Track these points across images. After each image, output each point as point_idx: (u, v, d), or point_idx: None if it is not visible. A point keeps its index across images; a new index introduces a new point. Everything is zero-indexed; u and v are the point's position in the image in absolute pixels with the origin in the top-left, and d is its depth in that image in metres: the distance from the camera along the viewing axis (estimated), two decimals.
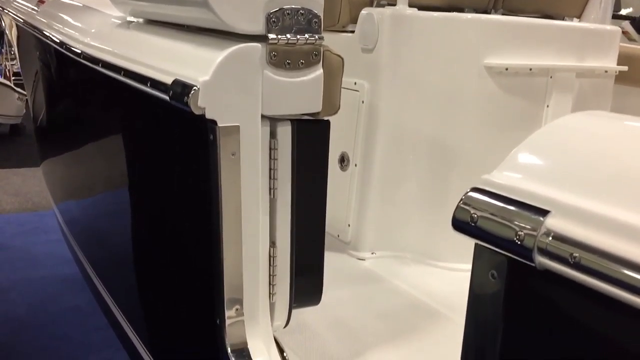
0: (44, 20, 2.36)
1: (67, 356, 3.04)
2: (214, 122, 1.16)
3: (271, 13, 1.18)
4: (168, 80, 1.22)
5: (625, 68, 2.26)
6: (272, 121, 1.24)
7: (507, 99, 2.05)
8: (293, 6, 1.19)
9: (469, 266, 2.20)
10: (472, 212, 0.71)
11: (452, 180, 2.09)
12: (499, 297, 0.68)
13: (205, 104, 1.14)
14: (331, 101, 1.30)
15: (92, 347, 3.11)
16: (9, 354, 3.05)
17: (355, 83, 2.10)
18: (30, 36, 2.76)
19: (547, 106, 2.10)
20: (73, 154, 2.67)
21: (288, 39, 1.19)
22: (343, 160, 2.19)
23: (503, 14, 2.31)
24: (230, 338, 1.21)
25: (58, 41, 2.01)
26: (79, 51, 1.74)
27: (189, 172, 1.37)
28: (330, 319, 1.71)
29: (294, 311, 1.38)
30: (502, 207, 0.68)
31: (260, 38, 1.19)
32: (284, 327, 1.37)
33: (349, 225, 2.17)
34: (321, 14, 1.23)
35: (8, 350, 3.08)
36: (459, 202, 0.73)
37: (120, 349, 2.51)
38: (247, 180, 1.21)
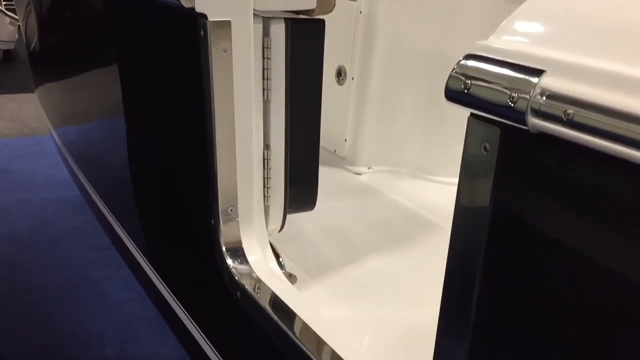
0: None
1: (68, 274, 3.09)
2: (204, 17, 1.12)
3: None
4: None
5: None
6: (265, 19, 1.21)
7: (510, 9, 1.99)
8: None
9: None
10: (465, 79, 0.68)
11: None
12: (490, 170, 0.66)
13: None
14: None
15: (93, 266, 3.16)
16: (10, 272, 3.10)
17: None
18: None
19: None
20: (67, 73, 2.63)
21: None
22: (340, 74, 2.15)
23: None
24: (225, 237, 1.21)
25: None
26: None
27: (180, 72, 1.34)
28: (325, 227, 1.72)
29: (289, 219, 1.38)
30: (496, 71, 0.66)
31: None
32: (279, 231, 1.38)
33: (345, 140, 2.15)
34: None
35: (9, 268, 3.13)
36: (452, 70, 0.71)
37: (121, 266, 2.56)
38: (239, 79, 1.18)
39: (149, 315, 2.60)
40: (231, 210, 1.23)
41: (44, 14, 2.81)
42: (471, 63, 0.68)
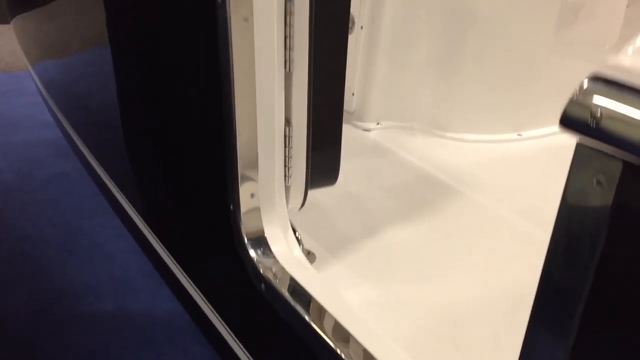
0: None
1: (59, 222, 3.00)
2: None
3: None
4: None
5: None
6: None
7: None
8: None
9: (477, 136, 2.11)
10: (593, 110, 0.55)
11: (467, 45, 1.94)
12: (604, 209, 0.56)
13: None
14: None
15: (84, 213, 3.07)
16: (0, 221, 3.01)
17: None
18: None
19: None
20: (48, 8, 2.42)
21: None
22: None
23: None
24: (246, 226, 1.13)
25: None
26: None
27: (194, 40, 1.21)
28: (339, 194, 1.64)
29: None
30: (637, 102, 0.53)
31: None
32: (299, 209, 1.30)
33: (353, 94, 2.04)
34: None
35: None
36: (573, 95, 0.57)
37: (113, 215, 2.47)
38: (261, 50, 1.06)
39: (145, 267, 2.54)
40: (252, 195, 1.14)
41: None
42: (602, 89, 0.55)
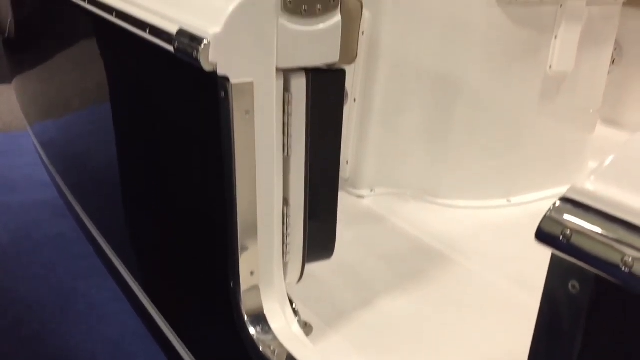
0: None
1: (55, 285, 3.01)
2: (226, 79, 1.06)
3: None
4: (171, 28, 1.11)
5: None
6: (286, 73, 1.15)
7: (514, 29, 1.95)
8: None
9: (468, 202, 2.17)
10: (564, 226, 0.63)
11: (455, 114, 2.03)
12: (579, 313, 0.62)
13: (216, 59, 1.04)
14: (348, 50, 1.20)
15: (80, 274, 3.08)
16: None
17: None
18: None
19: (555, 37, 2.01)
20: (48, 69, 2.48)
21: None
22: None
23: None
24: (246, 303, 1.17)
25: None
26: None
27: (197, 128, 1.27)
28: (334, 263, 1.67)
29: None
30: (605, 227, 0.61)
31: None
32: (297, 282, 1.34)
33: (347, 162, 2.11)
34: None
35: None
36: (547, 212, 0.65)
37: (109, 276, 2.48)
38: (261, 138, 1.13)
39: (141, 331, 2.54)
40: (252, 273, 1.18)
41: (25, 9, 2.62)
42: (571, 210, 0.62)
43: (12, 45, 3.13)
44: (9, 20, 2.96)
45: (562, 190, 2.29)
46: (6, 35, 3.17)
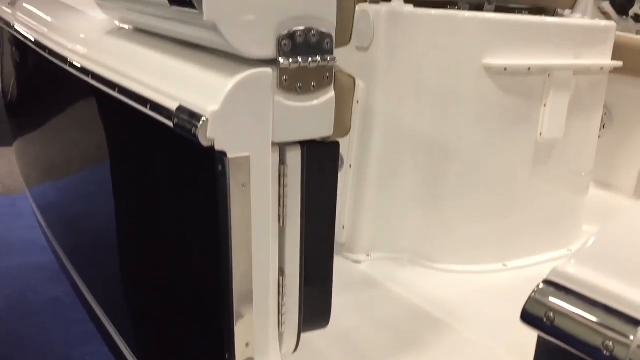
0: (23, 17, 2.23)
1: (49, 350, 2.97)
2: (223, 153, 1.10)
3: (283, 35, 1.10)
4: (171, 105, 1.15)
5: (620, 64, 2.24)
6: (282, 146, 1.18)
7: (504, 98, 2.02)
8: (305, 27, 1.12)
9: (464, 267, 2.18)
10: (547, 309, 0.65)
11: (450, 179, 2.06)
12: None
13: (214, 135, 1.07)
14: (342, 123, 1.25)
15: (74, 341, 3.04)
16: None
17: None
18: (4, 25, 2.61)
19: (545, 105, 2.07)
20: (48, 133, 2.52)
21: (300, 62, 1.12)
22: None
23: (497, 7, 2.26)
24: None
25: (41, 45, 1.89)
26: (66, 57, 1.63)
27: (191, 199, 1.30)
28: (330, 330, 1.67)
29: None
30: (586, 311, 0.63)
31: (271, 61, 1.12)
32: (293, 352, 1.34)
33: (343, 227, 2.13)
34: (333, 34, 1.16)
35: None
36: (532, 293, 0.68)
37: (103, 344, 2.45)
38: (257, 210, 1.16)
39: None
40: (247, 344, 1.18)
41: (21, 61, 2.68)
42: (554, 293, 0.65)
43: (14, 108, 3.20)
44: (11, 83, 3.03)
45: (558, 254, 2.30)
46: (8, 97, 3.25)
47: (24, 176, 3.56)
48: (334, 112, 1.20)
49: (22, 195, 4.24)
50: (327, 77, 1.17)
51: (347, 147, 2.08)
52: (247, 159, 1.11)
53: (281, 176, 1.19)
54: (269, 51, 1.11)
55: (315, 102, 1.17)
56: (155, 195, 1.49)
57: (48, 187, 2.85)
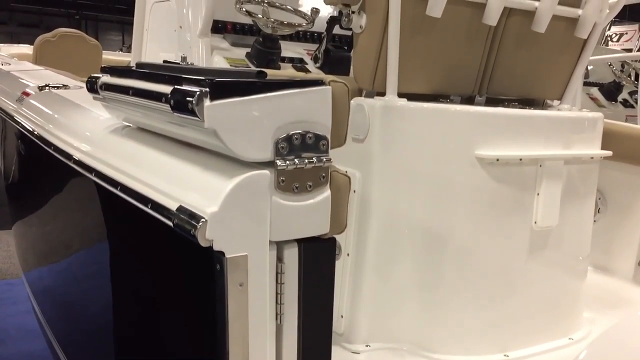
0: (30, 114, 2.31)
1: None
2: (221, 253, 1.12)
3: (280, 139, 1.15)
4: (171, 205, 1.18)
5: (609, 153, 2.30)
6: (279, 245, 1.21)
7: (497, 187, 2.06)
8: (301, 131, 1.17)
9: (464, 358, 2.14)
10: None
11: (446, 267, 2.07)
12: None
13: (213, 236, 1.10)
14: (338, 220, 1.27)
15: None
16: None
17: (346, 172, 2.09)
18: (9, 120, 2.69)
19: (538, 194, 2.11)
20: (47, 218, 2.54)
21: (296, 164, 1.17)
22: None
23: (487, 98, 2.34)
24: None
25: (46, 141, 1.96)
26: (71, 154, 1.68)
27: (191, 291, 1.31)
28: None
29: None
30: None
31: (268, 163, 1.16)
32: None
33: (342, 317, 2.11)
34: (329, 135, 1.21)
35: None
36: None
37: None
38: (254, 309, 1.16)
39: None
40: None
41: (25, 152, 2.73)
42: None
43: (14, 192, 3.24)
44: (12, 169, 3.08)
45: (560, 343, 2.26)
46: (9, 181, 3.29)
47: (21, 260, 3.55)
48: (329, 210, 1.23)
49: (19, 280, 4.21)
50: (323, 177, 1.21)
51: (345, 236, 2.10)
52: (245, 258, 1.13)
53: (278, 274, 1.21)
54: (267, 154, 1.15)
55: (312, 201, 1.20)
56: (153, 290, 1.50)
57: (43, 273, 2.85)
